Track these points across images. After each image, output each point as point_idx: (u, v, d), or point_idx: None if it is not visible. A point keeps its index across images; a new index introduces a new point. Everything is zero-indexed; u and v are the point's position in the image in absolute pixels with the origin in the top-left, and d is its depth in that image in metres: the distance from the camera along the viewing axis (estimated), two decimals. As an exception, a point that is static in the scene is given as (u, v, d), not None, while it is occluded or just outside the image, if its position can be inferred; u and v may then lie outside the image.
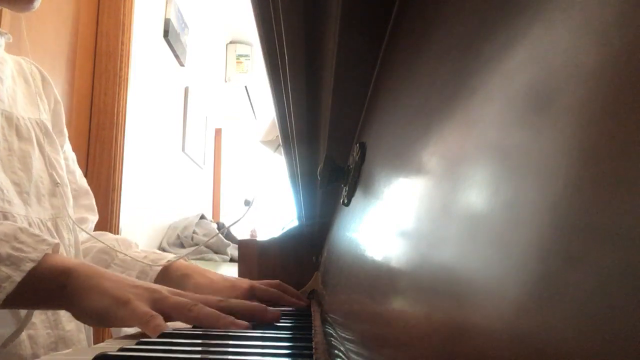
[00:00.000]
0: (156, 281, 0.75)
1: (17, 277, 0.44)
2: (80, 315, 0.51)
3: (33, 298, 0.49)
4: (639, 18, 0.08)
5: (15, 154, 0.64)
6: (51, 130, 0.72)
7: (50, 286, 0.49)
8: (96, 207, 0.85)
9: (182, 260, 0.80)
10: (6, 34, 0.69)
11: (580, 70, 0.10)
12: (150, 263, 0.76)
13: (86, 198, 0.82)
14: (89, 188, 0.84)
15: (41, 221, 0.65)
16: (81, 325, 0.69)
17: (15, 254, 0.46)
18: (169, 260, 0.76)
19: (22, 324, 0.50)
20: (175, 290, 0.56)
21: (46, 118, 0.73)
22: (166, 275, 0.76)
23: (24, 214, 0.63)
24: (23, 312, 0.50)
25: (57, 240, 0.53)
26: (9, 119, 0.65)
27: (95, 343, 0.74)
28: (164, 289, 0.54)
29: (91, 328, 0.73)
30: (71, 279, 0.49)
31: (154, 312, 0.49)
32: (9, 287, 0.43)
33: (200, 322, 0.53)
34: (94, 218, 0.83)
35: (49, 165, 0.70)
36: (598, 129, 0.09)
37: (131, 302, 0.49)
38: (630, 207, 0.08)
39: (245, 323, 0.53)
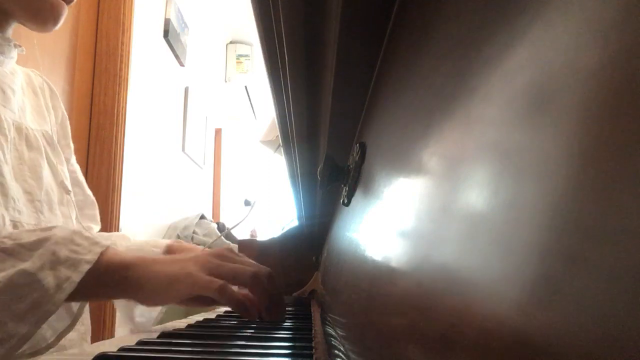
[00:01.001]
0: None
1: (76, 277, 0.48)
2: (146, 298, 0.54)
3: (94, 293, 0.53)
4: (639, 18, 0.08)
5: (25, 163, 0.66)
6: (56, 141, 0.75)
7: (110, 280, 0.52)
8: (99, 215, 0.88)
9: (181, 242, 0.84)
10: (20, 46, 0.70)
11: (580, 70, 0.10)
12: (153, 248, 0.78)
13: (91, 208, 0.85)
14: (94, 199, 0.87)
15: None
16: (84, 334, 0.69)
17: (73, 256, 0.49)
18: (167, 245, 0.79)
19: (75, 318, 0.53)
20: (223, 252, 0.60)
21: (52, 130, 0.75)
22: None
23: (34, 222, 0.64)
24: (75, 307, 0.52)
25: (109, 243, 0.56)
26: (19, 129, 0.67)
27: None
28: (215, 258, 0.59)
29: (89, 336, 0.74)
30: (131, 271, 0.53)
31: (215, 279, 0.54)
32: (69, 287, 0.47)
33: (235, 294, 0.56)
34: (96, 227, 0.86)
35: (56, 174, 0.72)
36: (598, 128, 0.09)
37: (192, 274, 0.54)
38: (630, 207, 0.08)
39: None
